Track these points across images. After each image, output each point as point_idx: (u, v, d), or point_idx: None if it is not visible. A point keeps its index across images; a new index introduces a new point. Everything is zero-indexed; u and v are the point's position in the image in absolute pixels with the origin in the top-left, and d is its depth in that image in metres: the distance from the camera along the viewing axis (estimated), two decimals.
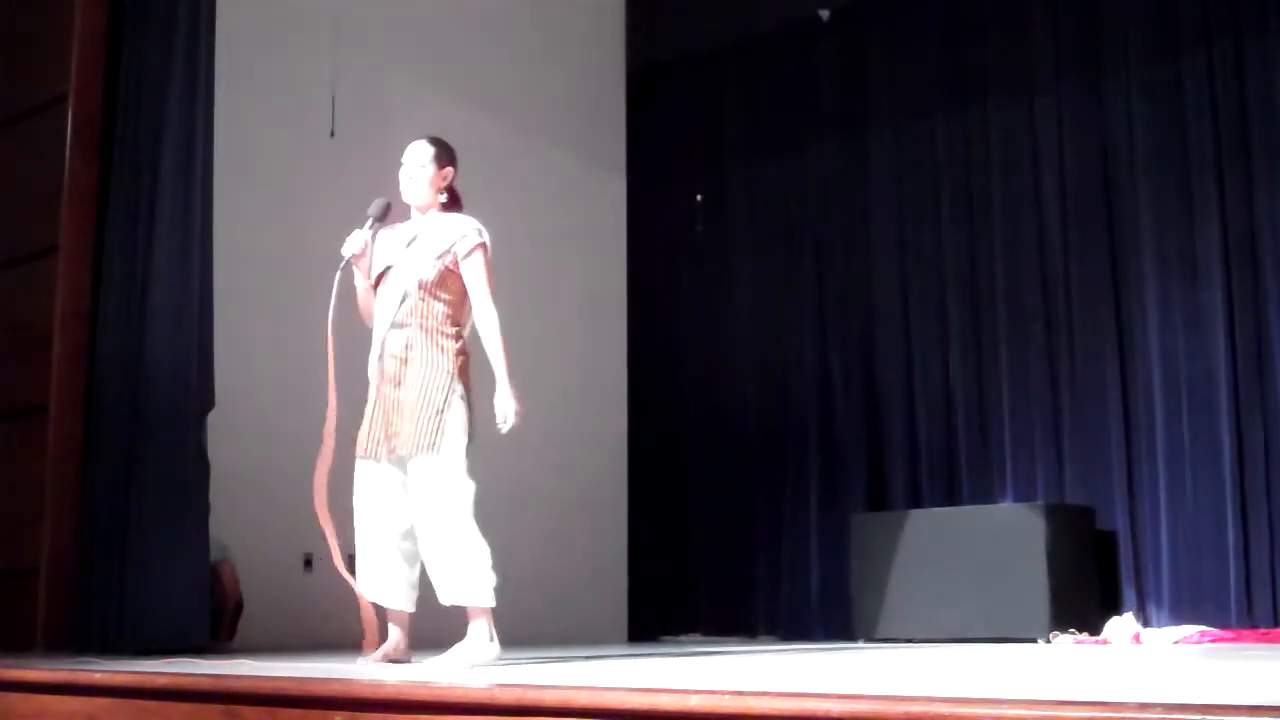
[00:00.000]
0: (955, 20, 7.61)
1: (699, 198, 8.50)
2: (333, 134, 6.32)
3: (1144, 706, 1.69)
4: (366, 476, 3.97)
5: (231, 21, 5.69)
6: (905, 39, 7.81)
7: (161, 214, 5.31)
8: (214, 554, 5.40)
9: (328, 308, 4.01)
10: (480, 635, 3.82)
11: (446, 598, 3.88)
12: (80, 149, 5.66)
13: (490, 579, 3.83)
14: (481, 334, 3.98)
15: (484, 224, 4.15)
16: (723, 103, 8.52)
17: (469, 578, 3.81)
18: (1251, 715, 1.63)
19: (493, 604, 3.85)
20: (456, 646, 3.79)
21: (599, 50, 8.49)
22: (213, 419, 5.27)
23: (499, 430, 3.94)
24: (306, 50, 6.48)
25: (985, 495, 7.05)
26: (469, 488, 3.89)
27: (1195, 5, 6.74)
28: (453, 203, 4.18)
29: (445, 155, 4.13)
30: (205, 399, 5.23)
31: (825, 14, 8.01)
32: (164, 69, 5.45)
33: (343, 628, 4.95)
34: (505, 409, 3.90)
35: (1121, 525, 6.62)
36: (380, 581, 3.95)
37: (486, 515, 6.51)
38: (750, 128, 8.39)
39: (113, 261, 5.44)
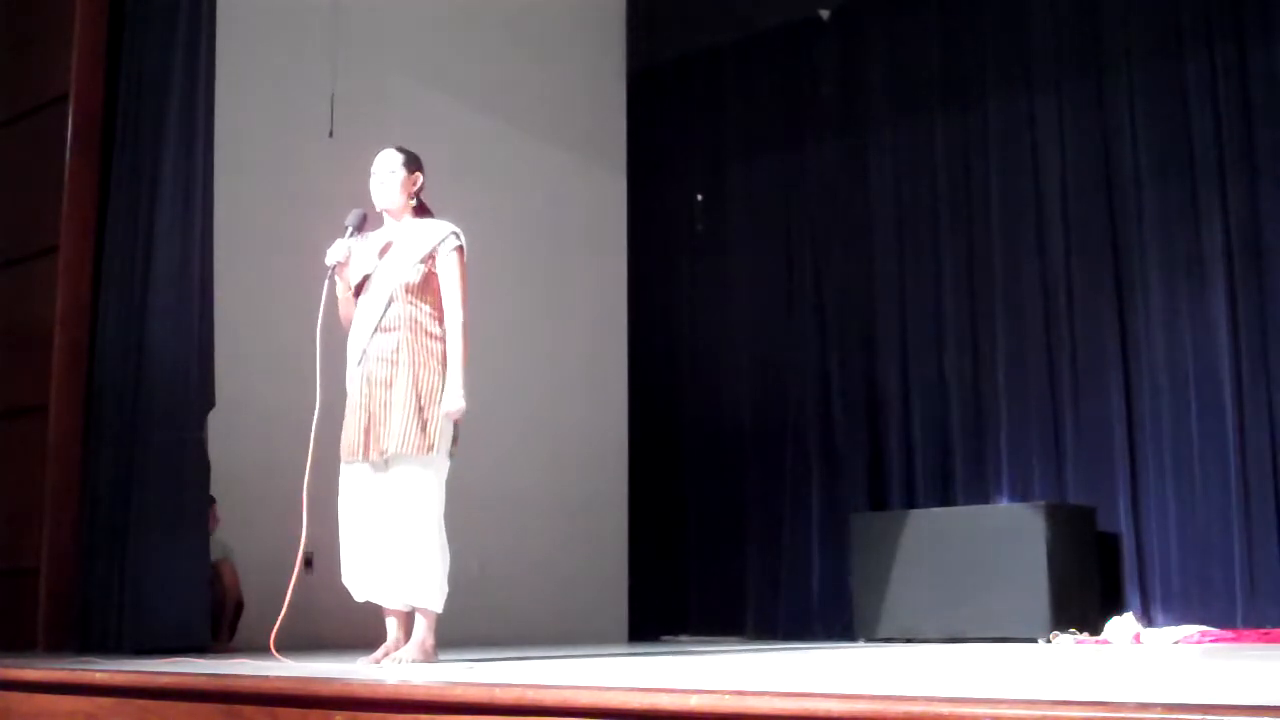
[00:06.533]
0: (955, 19, 7.61)
1: (699, 197, 8.50)
2: (331, 134, 6.33)
3: (1144, 706, 1.69)
4: (352, 480, 3.99)
5: (231, 21, 5.70)
6: (905, 38, 7.81)
7: (161, 214, 5.32)
8: (214, 554, 5.40)
9: (319, 315, 4.03)
10: (425, 638, 3.91)
11: (398, 598, 3.96)
12: (80, 149, 5.67)
13: (444, 588, 3.93)
14: (447, 330, 4.04)
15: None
16: (722, 103, 8.51)
17: (425, 582, 3.89)
18: (1251, 715, 1.62)
19: (440, 611, 3.94)
20: (402, 649, 3.88)
21: (599, 50, 8.49)
22: (213, 419, 5.27)
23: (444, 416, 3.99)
24: (306, 50, 6.48)
25: (986, 495, 7.05)
26: (442, 495, 3.97)
27: (1197, 4, 6.73)
28: (422, 211, 4.21)
29: (413, 162, 4.19)
30: (205, 399, 5.23)
31: (826, 14, 8.01)
32: (164, 69, 5.45)
33: (342, 628, 4.96)
34: (449, 406, 3.95)
35: (1125, 525, 6.62)
36: (374, 582, 3.97)
37: (487, 515, 6.53)
38: (750, 127, 8.38)
39: (113, 261, 5.44)
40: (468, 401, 4.00)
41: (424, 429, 3.91)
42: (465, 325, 4.03)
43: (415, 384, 3.94)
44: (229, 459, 5.41)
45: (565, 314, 7.86)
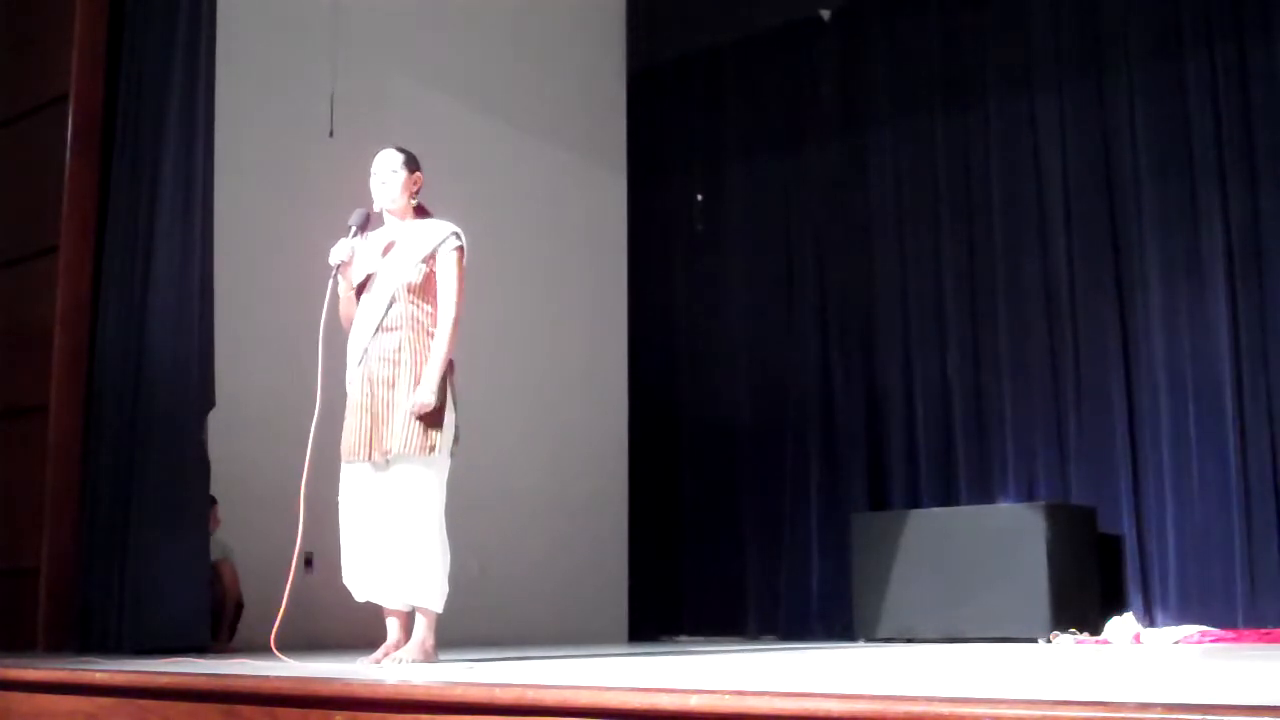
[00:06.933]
0: (955, 19, 7.61)
1: (699, 197, 8.50)
2: (332, 134, 6.33)
3: (1144, 706, 1.69)
4: (353, 480, 3.99)
5: (231, 21, 5.69)
6: (905, 38, 7.81)
7: (161, 214, 5.32)
8: (214, 554, 5.40)
9: (322, 314, 4.03)
10: (425, 638, 3.90)
11: (398, 598, 3.96)
12: (80, 149, 5.67)
13: (444, 588, 3.92)
14: (438, 326, 4.02)
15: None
16: (722, 102, 8.52)
17: (426, 582, 3.89)
18: (1251, 715, 1.62)
19: (440, 611, 3.93)
20: (402, 649, 3.88)
21: (599, 50, 8.49)
22: (213, 419, 5.27)
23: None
24: (306, 50, 6.48)
25: (987, 495, 7.05)
26: (443, 495, 3.96)
27: (1197, 5, 6.73)
28: (422, 211, 4.21)
29: (413, 162, 4.19)
30: (205, 399, 5.23)
31: (826, 14, 8.01)
32: (164, 69, 5.45)
33: (342, 628, 4.96)
34: (418, 398, 3.92)
35: (1125, 525, 6.62)
36: (375, 582, 3.97)
37: (487, 515, 6.52)
38: (750, 127, 8.38)
39: (113, 261, 5.44)
40: (461, 404, 4.01)
41: (426, 429, 3.91)
42: (455, 324, 4.02)
43: (417, 384, 3.95)
44: (229, 459, 5.40)
45: (565, 314, 7.86)
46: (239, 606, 5.60)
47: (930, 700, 1.83)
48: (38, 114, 5.88)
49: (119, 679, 3.08)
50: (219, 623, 5.45)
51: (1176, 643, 5.59)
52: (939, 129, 7.58)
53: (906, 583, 6.56)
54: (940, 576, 6.41)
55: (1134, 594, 6.53)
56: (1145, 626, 6.11)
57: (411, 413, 3.90)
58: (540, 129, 7.80)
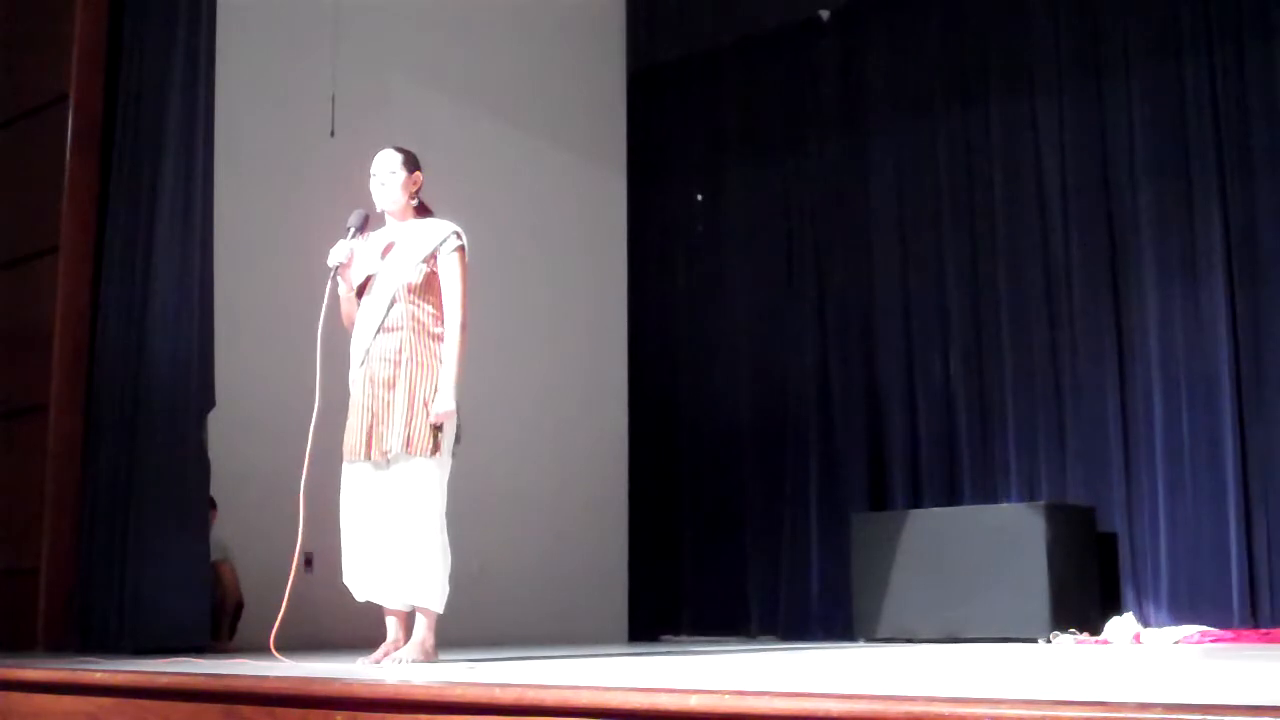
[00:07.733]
0: (955, 20, 7.60)
1: (699, 198, 8.49)
2: (333, 134, 6.33)
3: (1144, 706, 1.69)
4: (354, 479, 4.00)
5: (231, 22, 5.70)
6: (905, 39, 7.81)
7: (161, 214, 5.32)
8: (214, 554, 5.40)
9: (321, 316, 4.03)
10: (425, 638, 3.91)
11: (399, 598, 3.96)
12: (80, 149, 5.67)
13: (445, 588, 3.93)
14: (448, 332, 4.03)
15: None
16: (722, 103, 8.51)
17: (427, 582, 3.89)
18: (1251, 715, 1.62)
19: (441, 611, 3.93)
20: (402, 649, 3.88)
21: (599, 50, 8.49)
22: (213, 419, 5.27)
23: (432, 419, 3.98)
24: (306, 50, 6.48)
25: (986, 495, 7.05)
26: (444, 495, 3.97)
27: (1197, 5, 6.73)
28: (424, 210, 4.21)
29: (413, 162, 4.19)
30: (205, 399, 5.24)
31: (826, 14, 8.01)
32: (164, 69, 5.45)
33: (343, 628, 4.96)
34: (438, 408, 3.95)
35: (1122, 525, 6.62)
36: (375, 581, 3.97)
37: (487, 515, 6.52)
38: (750, 128, 8.38)
39: (113, 261, 5.45)
40: (462, 402, 4.01)
41: (426, 429, 3.92)
42: (464, 326, 4.04)
43: (418, 384, 3.95)
44: (229, 459, 5.41)
45: (565, 314, 7.86)
46: (239, 606, 5.60)
47: (930, 700, 1.83)
48: (38, 114, 5.89)
49: (119, 679, 3.08)
50: (219, 623, 5.45)
51: (1176, 643, 5.59)
52: (939, 129, 7.58)
53: (906, 583, 6.55)
54: (940, 576, 6.41)
55: (1133, 594, 6.52)
56: (1145, 626, 6.11)
57: (431, 424, 3.91)
58: (540, 129, 7.80)
